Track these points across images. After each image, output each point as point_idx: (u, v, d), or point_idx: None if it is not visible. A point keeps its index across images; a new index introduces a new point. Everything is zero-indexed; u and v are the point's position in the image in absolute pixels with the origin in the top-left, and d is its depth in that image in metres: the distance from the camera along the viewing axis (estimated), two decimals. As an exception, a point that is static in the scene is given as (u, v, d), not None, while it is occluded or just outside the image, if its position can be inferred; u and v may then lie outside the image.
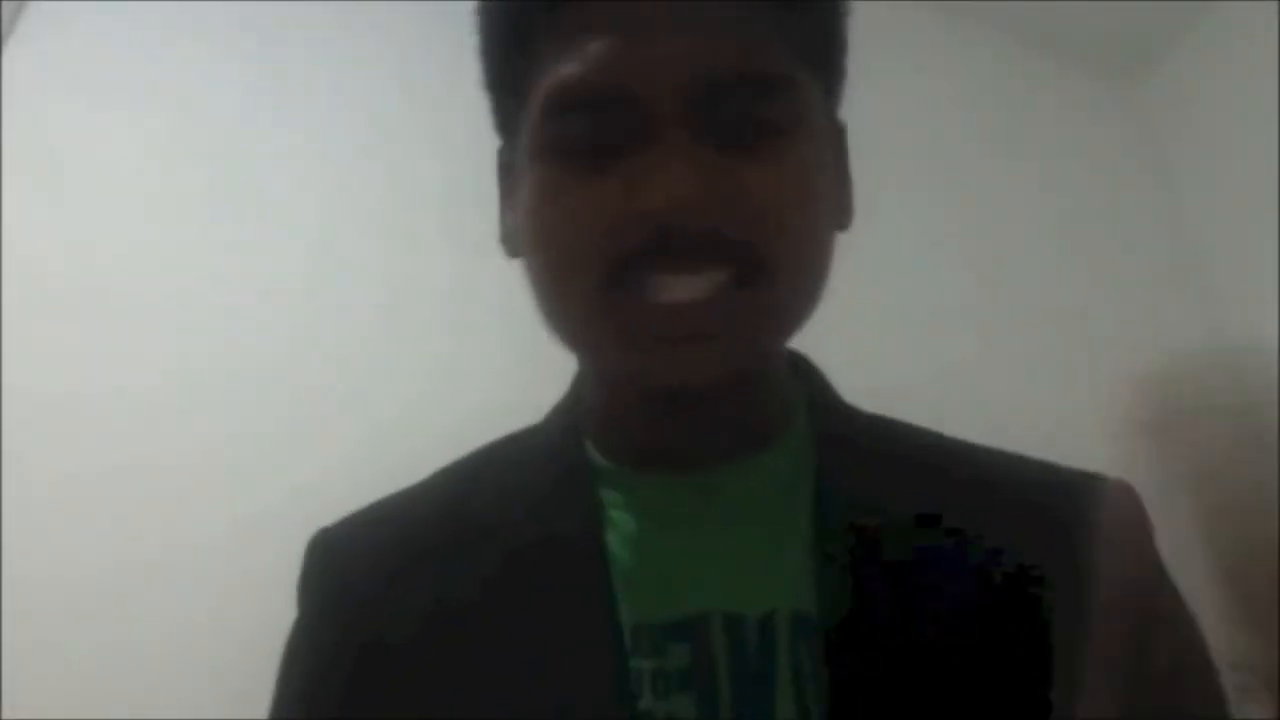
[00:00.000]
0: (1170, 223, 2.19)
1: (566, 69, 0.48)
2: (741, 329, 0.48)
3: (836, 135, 0.58)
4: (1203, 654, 0.54)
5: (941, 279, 1.93)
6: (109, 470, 1.34)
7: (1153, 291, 2.08)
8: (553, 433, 0.59)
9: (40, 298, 1.40)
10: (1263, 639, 0.84)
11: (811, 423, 0.57)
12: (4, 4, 1.51)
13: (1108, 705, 0.48)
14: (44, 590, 1.25)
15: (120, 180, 1.53)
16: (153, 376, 1.42)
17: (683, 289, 0.47)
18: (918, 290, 1.90)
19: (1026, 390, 1.86)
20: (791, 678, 0.48)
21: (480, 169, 0.66)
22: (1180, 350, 1.00)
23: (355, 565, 0.56)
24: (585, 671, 0.48)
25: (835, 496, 0.52)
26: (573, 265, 0.49)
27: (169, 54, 1.63)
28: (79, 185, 1.50)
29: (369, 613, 0.53)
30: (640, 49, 0.47)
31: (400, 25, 1.78)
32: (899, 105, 2.04)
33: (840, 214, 0.57)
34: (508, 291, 0.62)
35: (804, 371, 0.61)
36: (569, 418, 0.59)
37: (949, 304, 1.91)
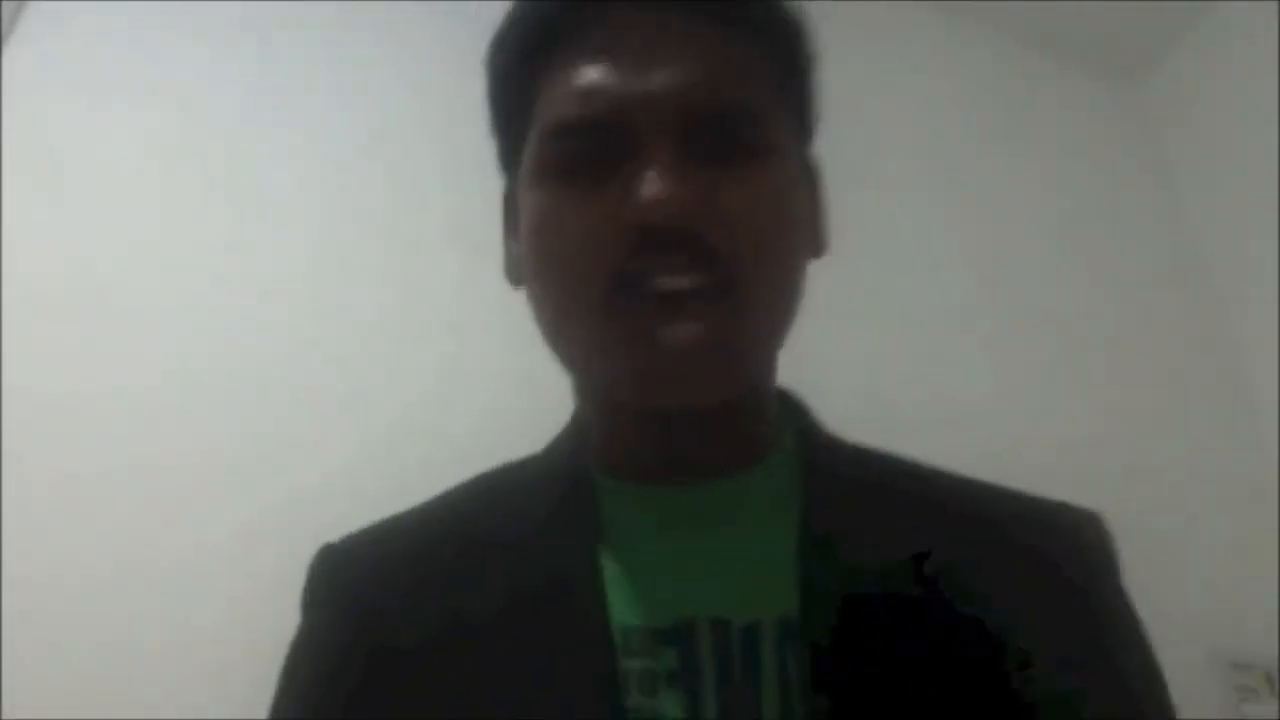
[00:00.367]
0: (1170, 223, 2.19)
1: (564, 103, 0.53)
2: (723, 342, 0.52)
3: (811, 173, 0.63)
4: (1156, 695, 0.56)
5: (941, 278, 1.93)
6: (109, 470, 1.34)
7: (1153, 291, 2.08)
8: (557, 455, 0.62)
9: (40, 297, 1.40)
10: None
11: (799, 446, 0.61)
12: (4, 4, 1.51)
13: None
14: (44, 591, 1.25)
15: (120, 180, 1.52)
16: (153, 376, 1.41)
17: (670, 285, 0.51)
18: (917, 290, 1.91)
19: (1026, 390, 1.86)
20: (778, 681, 0.50)
21: (483, 169, 0.66)
22: None
23: (361, 579, 0.59)
24: (576, 671, 0.51)
25: (821, 506, 0.56)
26: (573, 277, 0.53)
27: (169, 54, 1.63)
28: (79, 185, 1.50)
29: (374, 624, 0.55)
30: (630, 83, 0.52)
31: (401, 24, 1.78)
32: (899, 105, 2.04)
33: (814, 243, 0.61)
34: (511, 292, 0.63)
35: (791, 405, 0.64)
36: (573, 441, 0.62)
37: (948, 303, 1.91)
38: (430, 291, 1.57)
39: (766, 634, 0.52)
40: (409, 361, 1.52)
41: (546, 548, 0.55)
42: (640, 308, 0.51)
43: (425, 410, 1.48)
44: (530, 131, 0.56)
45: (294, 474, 1.39)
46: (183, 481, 1.36)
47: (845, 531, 0.54)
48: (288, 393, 1.46)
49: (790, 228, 0.55)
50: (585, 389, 0.60)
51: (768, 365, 0.60)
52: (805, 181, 0.60)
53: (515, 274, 0.60)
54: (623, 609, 0.53)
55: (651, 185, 0.50)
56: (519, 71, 0.57)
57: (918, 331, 1.86)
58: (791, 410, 0.64)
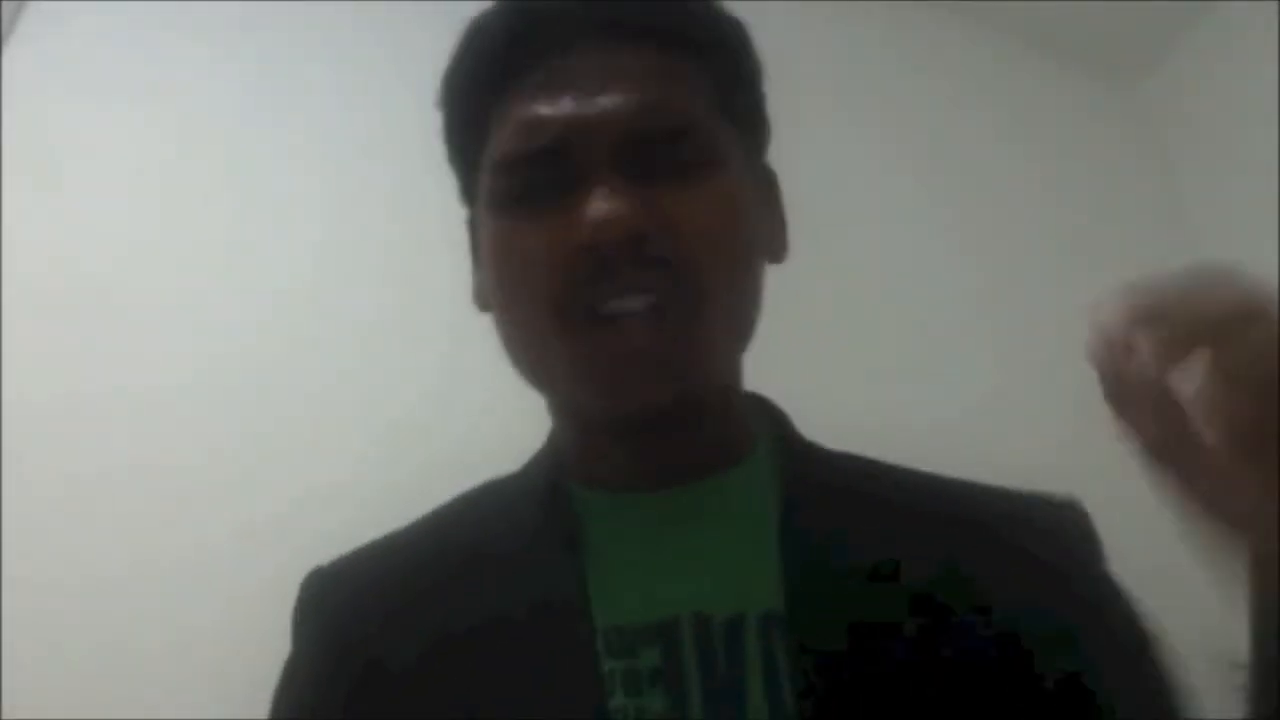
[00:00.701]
0: (1170, 223, 2.19)
1: (510, 138, 0.56)
2: (677, 349, 0.53)
3: (765, 180, 0.64)
4: (1154, 671, 0.56)
5: (942, 278, 1.93)
6: (109, 471, 1.34)
7: (1153, 291, 2.08)
8: (535, 472, 0.64)
9: (40, 298, 1.40)
10: None
11: (775, 450, 0.62)
12: (4, 4, 1.51)
13: None
14: (44, 591, 1.25)
15: (120, 180, 1.52)
16: (153, 376, 1.42)
17: (620, 306, 0.53)
18: (918, 289, 1.90)
19: (1026, 389, 1.86)
20: (763, 674, 0.52)
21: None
22: None
23: (350, 601, 0.60)
24: (559, 675, 0.52)
25: (799, 504, 0.57)
26: (527, 301, 0.55)
27: (169, 54, 1.63)
28: (79, 185, 1.50)
29: (364, 642, 0.57)
30: (570, 113, 0.54)
31: (401, 24, 1.78)
32: (899, 105, 2.04)
33: (772, 248, 0.62)
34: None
35: (767, 410, 0.65)
36: (550, 458, 0.63)
37: (948, 303, 1.91)
38: (430, 292, 1.57)
39: (750, 627, 0.53)
40: (409, 362, 1.52)
41: (528, 560, 0.57)
42: (591, 325, 0.53)
43: (425, 410, 1.48)
44: (483, 162, 0.58)
45: (294, 474, 1.39)
46: (183, 482, 1.36)
47: (825, 527, 0.56)
48: (287, 393, 1.46)
49: (739, 234, 0.57)
50: (555, 406, 0.62)
51: (729, 367, 0.61)
52: (760, 188, 0.61)
53: (482, 300, 0.62)
54: (604, 611, 0.54)
55: (594, 206, 0.52)
56: (468, 108, 0.60)
57: (918, 331, 1.86)
58: (767, 416, 0.65)
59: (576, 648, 0.52)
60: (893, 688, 0.51)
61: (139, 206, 1.52)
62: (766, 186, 0.63)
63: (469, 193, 0.62)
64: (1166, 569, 0.67)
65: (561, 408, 0.61)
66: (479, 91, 0.59)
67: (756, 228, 0.59)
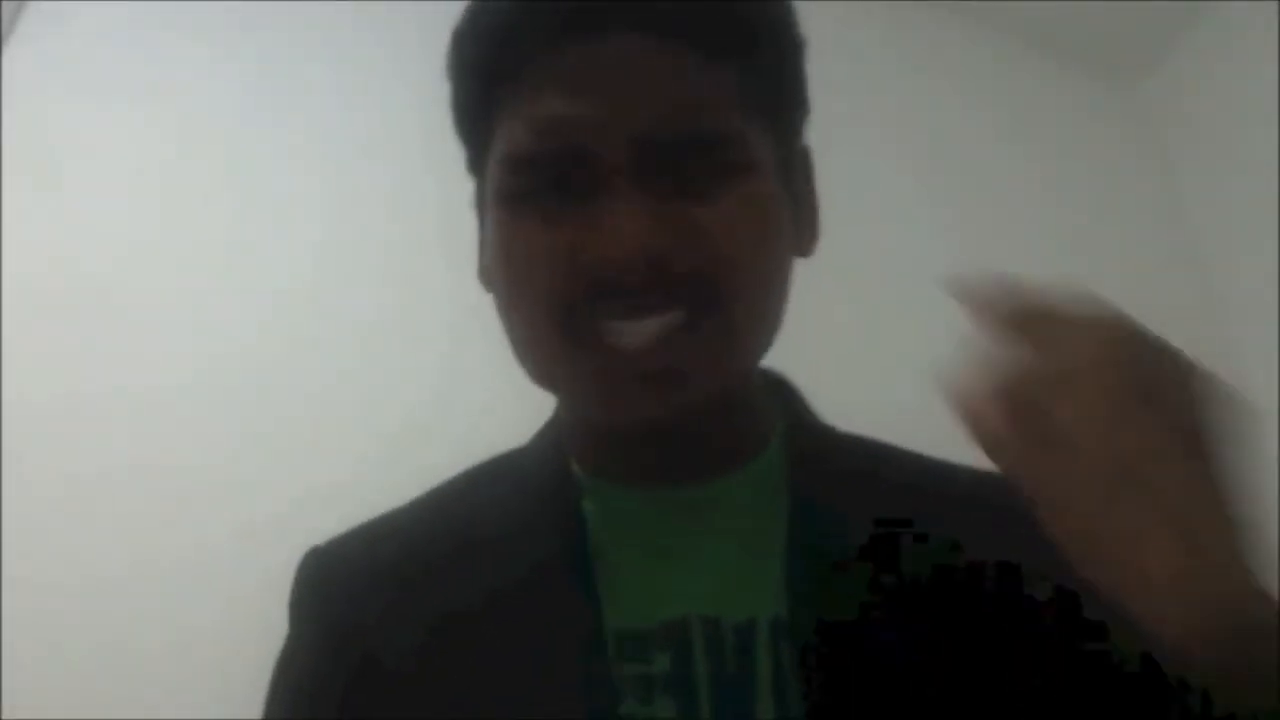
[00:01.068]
0: (1170, 222, 2.19)
1: (519, 135, 0.51)
2: (698, 368, 0.50)
3: (800, 161, 0.59)
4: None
5: (941, 278, 1.93)
6: (109, 471, 1.34)
7: (1153, 291, 2.08)
8: (538, 452, 0.62)
9: (40, 298, 1.40)
10: None
11: (788, 440, 0.59)
12: (4, 4, 1.51)
13: None
14: (44, 591, 1.25)
15: (120, 180, 1.52)
16: (153, 376, 1.42)
17: (633, 334, 0.49)
18: (917, 289, 1.90)
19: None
20: (772, 681, 0.50)
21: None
22: None
23: (347, 584, 0.58)
24: (569, 678, 0.50)
25: (808, 508, 0.55)
26: (532, 313, 0.52)
27: (169, 54, 1.63)
28: (79, 185, 1.50)
29: (362, 632, 0.55)
30: (585, 115, 0.50)
31: (401, 24, 1.78)
32: (899, 105, 2.04)
33: (801, 241, 0.58)
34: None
35: (783, 392, 0.63)
36: (553, 437, 0.61)
37: (948, 303, 1.91)
38: (430, 292, 1.57)
39: (760, 633, 0.51)
40: (409, 362, 1.52)
41: (534, 552, 0.55)
42: (600, 342, 0.50)
43: (425, 410, 1.48)
44: (493, 143, 0.54)
45: (294, 474, 1.39)
46: (183, 482, 1.36)
47: (834, 528, 0.54)
48: (287, 393, 1.46)
49: (767, 247, 0.53)
50: (561, 399, 0.60)
51: (748, 372, 0.58)
52: (794, 182, 0.57)
53: (486, 279, 0.58)
54: (613, 612, 0.52)
55: (611, 222, 0.48)
56: (478, 81, 0.55)
57: (918, 331, 1.85)
58: (783, 401, 0.62)
59: (586, 649, 0.51)
60: (901, 696, 0.49)
61: (139, 206, 1.52)
62: (801, 177, 0.59)
63: (476, 165, 0.58)
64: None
65: (567, 403, 0.59)
66: (489, 62, 0.54)
67: (787, 232, 0.55)
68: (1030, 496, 0.43)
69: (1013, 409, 0.44)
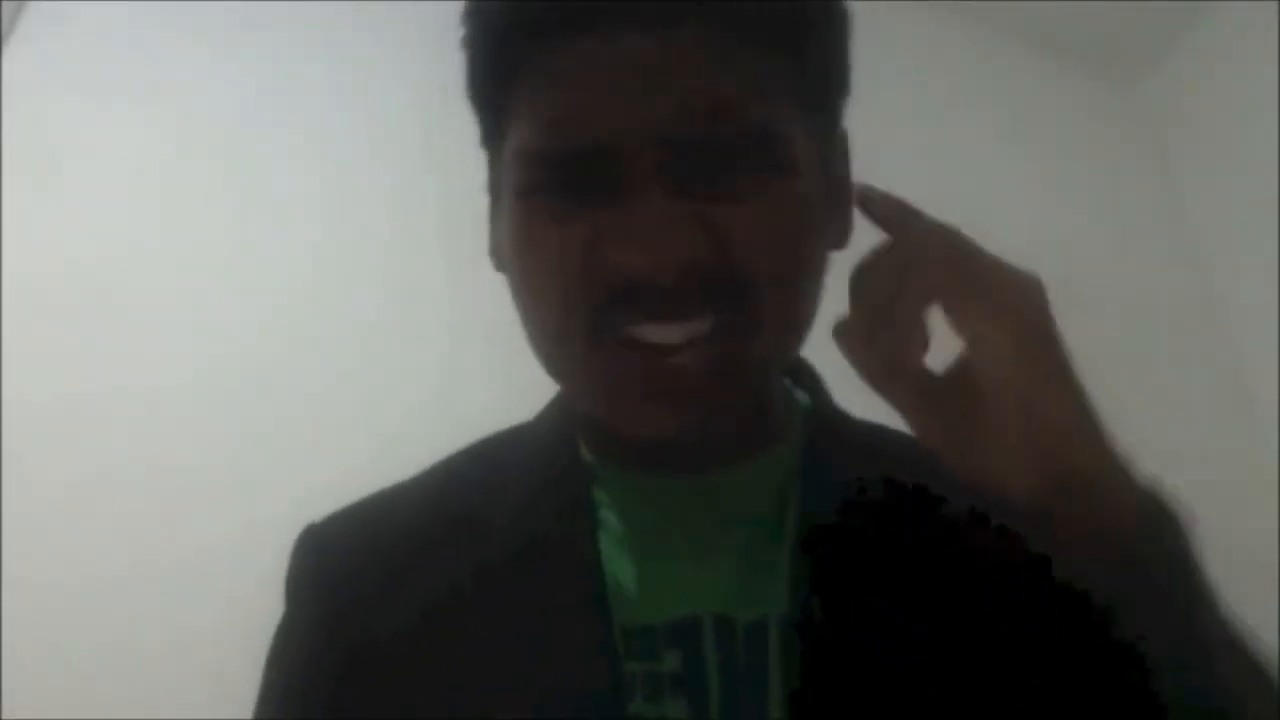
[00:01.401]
0: (1170, 222, 2.19)
1: (537, 128, 0.48)
2: (716, 382, 0.48)
3: (839, 148, 0.57)
4: None
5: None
6: (109, 471, 1.34)
7: (1153, 291, 2.08)
8: (545, 430, 0.59)
9: (40, 298, 1.40)
10: None
11: (805, 430, 0.58)
12: (4, 4, 1.51)
13: None
14: (44, 592, 1.25)
15: (120, 180, 1.52)
16: (153, 377, 1.41)
17: (659, 337, 0.47)
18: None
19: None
20: (784, 681, 0.48)
21: (484, 170, 0.66)
22: None
23: (344, 564, 0.56)
24: (578, 675, 0.48)
25: (823, 499, 0.53)
26: (550, 311, 0.49)
27: (169, 54, 1.63)
28: (79, 185, 1.50)
29: (358, 613, 0.53)
30: (614, 103, 0.46)
31: (401, 24, 1.78)
32: (899, 105, 2.04)
33: (838, 233, 0.56)
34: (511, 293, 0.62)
35: (806, 379, 0.61)
36: (562, 415, 0.59)
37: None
38: (430, 292, 1.57)
39: (772, 633, 0.50)
40: (409, 362, 1.52)
41: (541, 538, 0.53)
42: (622, 349, 0.47)
43: (425, 411, 1.48)
44: (509, 119, 0.50)
45: (294, 474, 1.38)
46: (183, 482, 1.36)
47: (844, 527, 0.52)
48: (287, 393, 1.46)
49: (802, 241, 0.50)
50: None
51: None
52: (833, 173, 0.55)
53: (498, 259, 0.55)
54: (623, 606, 0.50)
55: (640, 227, 0.45)
56: (494, 52, 0.51)
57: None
58: (805, 384, 0.61)
59: (595, 649, 0.49)
60: (912, 698, 0.47)
61: (139, 206, 1.52)
62: (840, 165, 0.57)
63: (487, 138, 0.54)
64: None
65: (579, 404, 0.57)
66: (506, 35, 0.50)
67: (824, 232, 0.53)
68: (869, 380, 0.49)
69: (856, 292, 0.49)
